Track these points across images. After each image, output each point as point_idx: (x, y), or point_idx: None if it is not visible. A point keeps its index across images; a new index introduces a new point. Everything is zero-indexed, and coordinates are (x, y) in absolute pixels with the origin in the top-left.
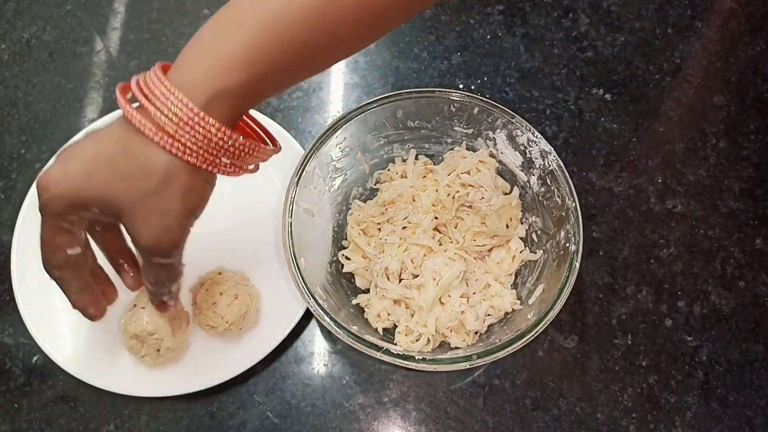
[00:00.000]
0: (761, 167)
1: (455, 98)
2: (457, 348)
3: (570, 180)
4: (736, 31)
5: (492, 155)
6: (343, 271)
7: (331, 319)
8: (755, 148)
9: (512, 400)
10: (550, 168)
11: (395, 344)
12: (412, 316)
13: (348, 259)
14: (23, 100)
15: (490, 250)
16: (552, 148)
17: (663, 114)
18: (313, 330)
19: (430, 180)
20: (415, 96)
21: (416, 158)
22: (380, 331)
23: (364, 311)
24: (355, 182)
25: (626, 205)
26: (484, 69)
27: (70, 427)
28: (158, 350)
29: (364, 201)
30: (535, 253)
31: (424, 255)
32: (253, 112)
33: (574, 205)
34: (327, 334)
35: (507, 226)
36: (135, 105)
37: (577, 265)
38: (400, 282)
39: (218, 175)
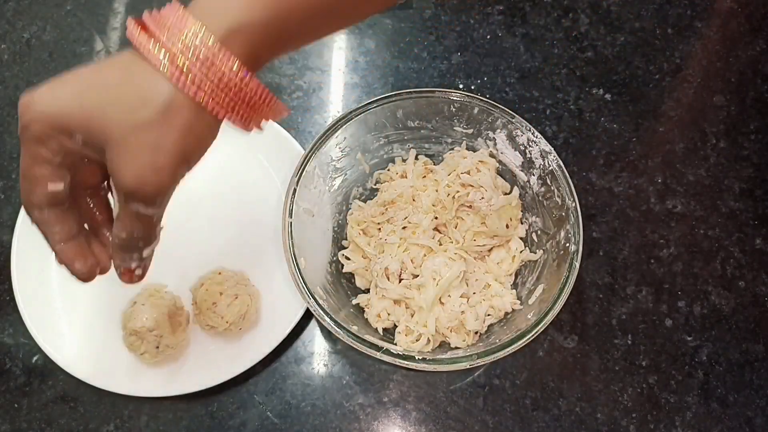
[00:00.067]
0: (761, 167)
1: (455, 98)
2: (457, 348)
3: (570, 180)
4: (736, 31)
5: (492, 155)
6: (343, 271)
7: (331, 319)
8: (755, 148)
9: (512, 400)
10: (550, 168)
11: (395, 344)
12: (412, 316)
13: (348, 259)
14: None
15: (490, 250)
16: (552, 148)
17: (663, 114)
18: (313, 330)
19: (430, 180)
20: (415, 96)
21: (416, 158)
22: (380, 331)
23: (364, 311)
24: (355, 182)
25: (626, 205)
26: (484, 69)
27: (70, 427)
28: (157, 347)
29: (364, 201)
30: (535, 253)
31: (424, 255)
32: None
33: (574, 205)
34: (327, 334)
35: (507, 226)
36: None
37: (577, 265)
38: (400, 282)
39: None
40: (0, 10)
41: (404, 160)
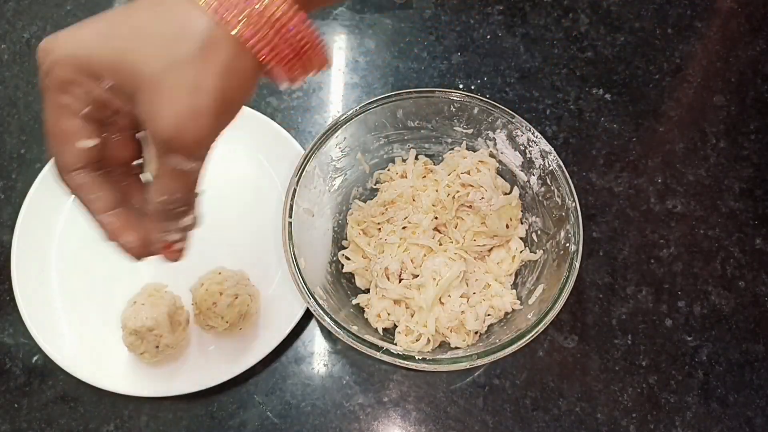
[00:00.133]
0: (761, 167)
1: (455, 98)
2: (457, 348)
3: (570, 180)
4: (736, 31)
5: (492, 155)
6: (343, 271)
7: (331, 319)
8: (755, 148)
9: (512, 400)
10: (550, 168)
11: (395, 344)
12: (412, 316)
13: (348, 259)
14: (23, 100)
15: (490, 250)
16: (552, 148)
17: (663, 114)
18: (313, 330)
19: (430, 180)
20: (415, 96)
21: (416, 158)
22: (380, 331)
23: (364, 311)
24: (355, 182)
25: (626, 205)
26: (484, 69)
27: (70, 427)
28: (157, 347)
29: (364, 201)
30: (535, 253)
31: (424, 255)
32: (252, 112)
33: (574, 205)
34: (327, 334)
35: (507, 226)
36: None
37: (577, 265)
38: (400, 282)
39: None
40: (0, 10)
41: (404, 160)
